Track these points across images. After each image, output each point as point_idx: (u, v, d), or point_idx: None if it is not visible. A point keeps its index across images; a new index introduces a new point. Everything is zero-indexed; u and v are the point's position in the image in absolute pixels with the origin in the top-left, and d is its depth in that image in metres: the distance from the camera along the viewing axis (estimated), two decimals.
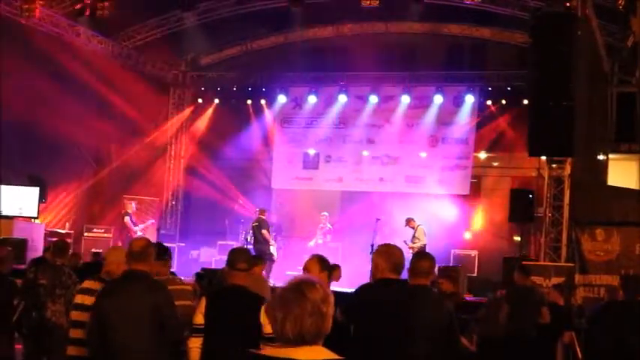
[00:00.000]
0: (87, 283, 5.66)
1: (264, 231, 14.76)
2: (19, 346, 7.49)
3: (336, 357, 2.55)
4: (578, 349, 9.19)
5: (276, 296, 2.55)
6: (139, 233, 14.87)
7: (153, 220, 16.37)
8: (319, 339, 2.53)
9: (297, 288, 2.52)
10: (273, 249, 14.88)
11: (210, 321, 4.91)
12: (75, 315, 5.58)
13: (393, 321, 4.37)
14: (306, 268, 5.39)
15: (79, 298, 5.61)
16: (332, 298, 2.56)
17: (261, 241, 14.72)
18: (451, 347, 4.67)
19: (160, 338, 4.74)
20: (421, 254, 5.38)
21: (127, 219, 15.07)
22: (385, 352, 4.36)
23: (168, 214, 19.35)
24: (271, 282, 11.73)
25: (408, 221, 14.97)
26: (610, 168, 14.79)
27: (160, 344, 4.75)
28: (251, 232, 15.23)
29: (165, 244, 7.04)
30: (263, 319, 4.88)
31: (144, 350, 4.69)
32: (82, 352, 5.30)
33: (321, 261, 5.51)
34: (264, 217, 15.14)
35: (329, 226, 16.08)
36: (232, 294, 5.07)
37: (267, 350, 2.61)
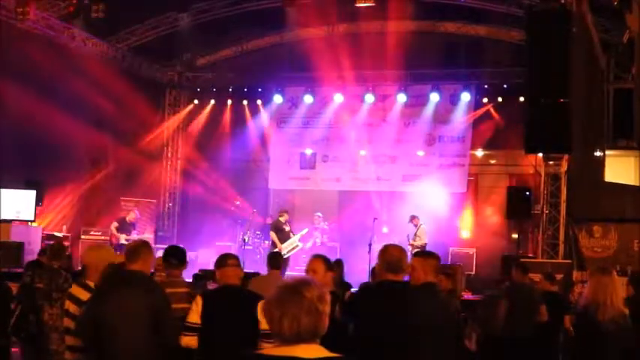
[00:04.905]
0: (74, 290, 5.47)
1: (271, 232, 14.58)
2: (16, 350, 7.48)
3: (334, 355, 2.56)
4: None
5: (273, 295, 2.58)
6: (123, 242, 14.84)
7: (150, 235, 16.31)
8: (316, 337, 2.55)
9: (294, 287, 2.56)
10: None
11: (207, 320, 4.90)
12: (66, 322, 5.39)
13: (392, 321, 4.34)
14: (311, 269, 5.31)
15: (67, 304, 5.42)
16: (328, 297, 2.60)
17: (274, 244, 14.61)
18: (452, 346, 4.65)
19: (158, 339, 4.72)
20: (426, 253, 5.35)
21: (112, 226, 15.03)
22: (385, 352, 4.34)
23: (166, 216, 19.33)
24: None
25: (412, 218, 14.92)
26: (607, 164, 14.78)
27: (158, 345, 4.72)
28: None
29: (163, 247, 7.01)
30: (260, 315, 4.88)
31: (143, 351, 4.66)
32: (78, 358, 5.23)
33: (325, 261, 5.47)
34: (275, 219, 15.00)
35: (324, 225, 16.02)
36: (228, 292, 5.08)
37: (267, 349, 2.63)
